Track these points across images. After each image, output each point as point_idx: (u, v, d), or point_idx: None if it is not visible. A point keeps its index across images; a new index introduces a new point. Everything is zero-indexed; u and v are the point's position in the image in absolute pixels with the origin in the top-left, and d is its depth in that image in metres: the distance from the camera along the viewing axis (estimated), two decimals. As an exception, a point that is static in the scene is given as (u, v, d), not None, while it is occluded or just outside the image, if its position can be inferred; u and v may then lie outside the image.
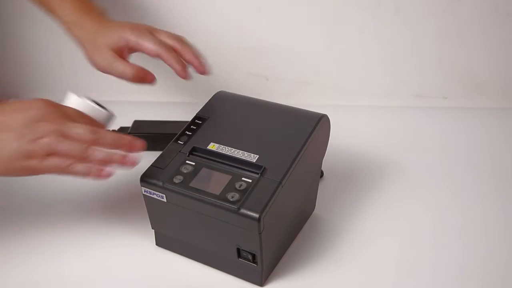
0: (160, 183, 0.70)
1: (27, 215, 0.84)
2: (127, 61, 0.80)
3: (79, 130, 0.67)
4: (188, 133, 0.76)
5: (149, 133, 0.96)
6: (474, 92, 1.09)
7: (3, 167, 0.66)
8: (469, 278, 0.73)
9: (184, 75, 0.78)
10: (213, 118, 0.78)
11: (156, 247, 0.78)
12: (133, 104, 1.08)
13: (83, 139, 0.67)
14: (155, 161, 0.73)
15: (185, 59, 0.80)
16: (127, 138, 0.69)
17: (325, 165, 0.84)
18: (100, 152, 0.67)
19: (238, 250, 0.69)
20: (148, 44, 0.79)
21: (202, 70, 0.80)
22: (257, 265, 0.69)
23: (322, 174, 0.90)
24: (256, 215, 0.64)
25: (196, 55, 0.81)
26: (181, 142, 0.75)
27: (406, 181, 0.91)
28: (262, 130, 0.75)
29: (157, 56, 0.78)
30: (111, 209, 0.85)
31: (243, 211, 0.65)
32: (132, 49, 0.81)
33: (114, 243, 0.79)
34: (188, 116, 0.80)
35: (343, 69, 1.09)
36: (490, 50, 1.05)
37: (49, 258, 0.77)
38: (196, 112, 0.79)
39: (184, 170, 0.71)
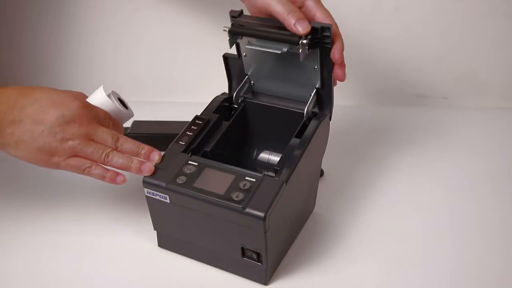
0: (163, 184, 0.69)
1: (27, 214, 0.83)
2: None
3: (104, 135, 0.72)
4: (189, 133, 0.76)
5: (148, 134, 0.96)
6: (474, 92, 1.09)
7: (28, 156, 0.70)
8: (469, 279, 0.73)
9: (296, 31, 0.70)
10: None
11: (158, 248, 0.78)
12: (132, 104, 1.07)
13: (106, 145, 0.71)
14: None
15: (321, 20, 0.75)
16: (146, 147, 0.72)
17: (325, 164, 0.84)
18: (119, 158, 0.71)
19: (243, 249, 0.69)
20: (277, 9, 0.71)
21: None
22: (261, 264, 0.69)
23: (322, 173, 0.90)
24: (262, 214, 0.64)
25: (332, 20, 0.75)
26: (183, 143, 0.75)
27: (406, 180, 0.91)
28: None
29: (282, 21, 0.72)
30: (112, 210, 0.84)
31: (248, 210, 0.65)
32: None
33: (116, 245, 0.79)
34: (188, 116, 0.80)
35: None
36: (490, 50, 1.05)
37: (50, 259, 0.76)
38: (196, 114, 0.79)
39: (187, 170, 0.71)
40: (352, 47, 1.07)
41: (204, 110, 0.80)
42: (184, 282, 0.73)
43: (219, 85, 0.84)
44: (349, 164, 0.94)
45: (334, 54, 0.73)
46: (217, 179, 0.69)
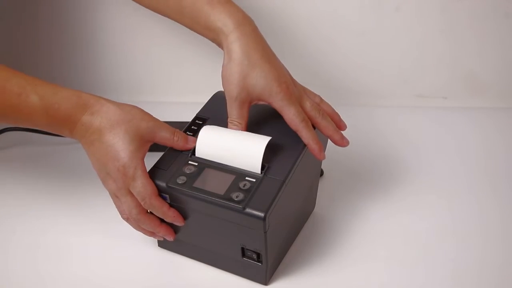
0: (164, 184, 0.70)
1: (27, 214, 0.83)
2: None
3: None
4: (189, 133, 0.76)
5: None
6: (474, 92, 1.09)
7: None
8: (469, 278, 0.74)
9: (319, 156, 0.72)
10: (214, 118, 0.78)
11: (158, 248, 0.78)
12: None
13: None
14: (157, 162, 0.73)
15: (325, 134, 0.75)
16: (170, 215, 0.71)
17: (325, 164, 0.84)
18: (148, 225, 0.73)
19: (243, 249, 0.70)
20: (290, 115, 0.72)
21: (341, 143, 0.75)
22: (261, 264, 0.70)
23: (322, 173, 0.90)
24: (262, 214, 0.64)
25: (335, 129, 0.76)
26: (183, 143, 0.75)
27: (405, 180, 0.91)
28: (263, 130, 0.75)
29: (295, 130, 0.72)
30: (112, 210, 0.84)
31: (248, 210, 0.65)
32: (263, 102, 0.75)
33: (116, 245, 0.79)
34: (188, 116, 0.80)
35: (343, 69, 1.09)
36: (490, 50, 1.05)
37: (50, 259, 0.77)
38: (197, 113, 0.79)
39: (187, 170, 0.71)
40: (352, 47, 1.07)
41: (204, 106, 0.80)
42: (184, 282, 0.73)
43: (219, 84, 0.84)
44: (349, 164, 0.94)
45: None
46: (217, 179, 0.69)
